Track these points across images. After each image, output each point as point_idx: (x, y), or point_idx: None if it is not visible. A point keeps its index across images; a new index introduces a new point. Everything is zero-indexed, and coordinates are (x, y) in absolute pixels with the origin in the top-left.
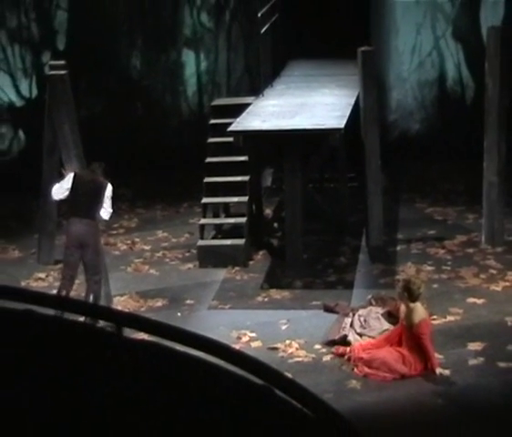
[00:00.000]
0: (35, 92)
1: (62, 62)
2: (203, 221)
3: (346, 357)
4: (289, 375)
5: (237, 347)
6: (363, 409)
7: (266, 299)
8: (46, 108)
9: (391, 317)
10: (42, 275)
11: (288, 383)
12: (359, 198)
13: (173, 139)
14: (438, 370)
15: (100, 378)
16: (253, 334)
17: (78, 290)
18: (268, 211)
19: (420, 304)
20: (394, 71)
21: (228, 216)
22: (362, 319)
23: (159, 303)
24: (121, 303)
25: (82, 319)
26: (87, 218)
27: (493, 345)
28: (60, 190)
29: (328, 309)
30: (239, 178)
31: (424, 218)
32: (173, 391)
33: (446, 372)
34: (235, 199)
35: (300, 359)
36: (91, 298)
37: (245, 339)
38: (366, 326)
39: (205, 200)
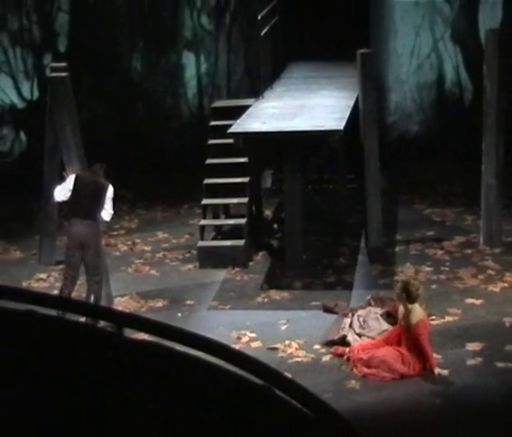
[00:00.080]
0: (36, 94)
1: (63, 64)
2: (203, 222)
3: (345, 357)
4: (288, 375)
5: (237, 347)
6: (362, 409)
7: (266, 300)
8: (47, 110)
9: (390, 317)
10: (43, 276)
11: (288, 383)
12: (358, 200)
13: (174, 141)
14: (437, 371)
15: (101, 378)
16: (253, 334)
17: (79, 291)
18: (268, 212)
19: (418, 305)
20: (393, 73)
21: (228, 217)
22: (361, 319)
23: (160, 304)
24: (122, 304)
25: (83, 319)
26: (89, 219)
27: (491, 345)
28: (62, 192)
29: (327, 310)
30: (239, 180)
31: (422, 219)
32: (173, 391)
33: (445, 372)
34: (235, 201)
35: (299, 359)
36: (92, 298)
37: (245, 339)
38: (365, 326)
39: (205, 201)
